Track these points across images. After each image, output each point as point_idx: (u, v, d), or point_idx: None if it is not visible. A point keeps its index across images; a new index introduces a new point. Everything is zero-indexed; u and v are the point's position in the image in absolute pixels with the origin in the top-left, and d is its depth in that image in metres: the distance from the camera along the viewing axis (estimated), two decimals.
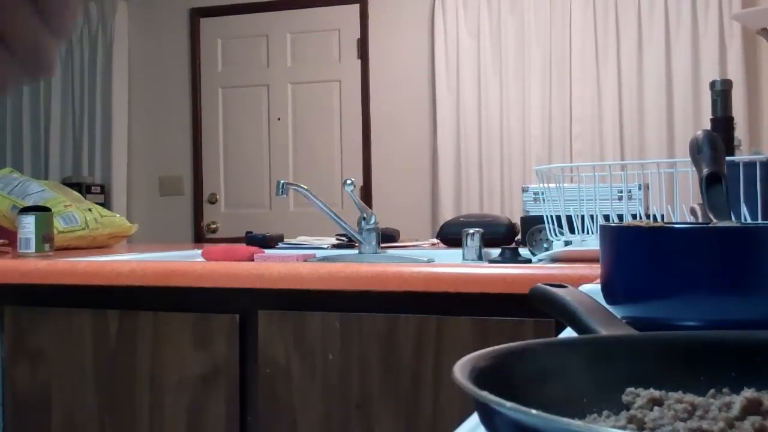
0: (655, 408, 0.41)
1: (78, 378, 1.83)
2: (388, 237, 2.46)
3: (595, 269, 1.43)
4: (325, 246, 2.40)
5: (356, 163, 4.74)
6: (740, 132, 3.91)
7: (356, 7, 4.74)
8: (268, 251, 2.20)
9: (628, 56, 4.21)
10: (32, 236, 2.06)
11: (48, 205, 2.26)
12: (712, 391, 0.44)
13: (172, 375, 1.77)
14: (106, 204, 4.78)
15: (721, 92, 1.61)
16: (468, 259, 1.99)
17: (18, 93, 5.13)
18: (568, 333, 0.69)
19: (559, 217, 1.66)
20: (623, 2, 4.23)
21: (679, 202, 1.49)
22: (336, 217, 2.21)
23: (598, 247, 0.74)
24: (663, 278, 0.66)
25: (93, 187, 4.85)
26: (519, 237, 2.16)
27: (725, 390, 0.44)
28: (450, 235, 2.30)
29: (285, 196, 2.33)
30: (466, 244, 2.00)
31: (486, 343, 1.53)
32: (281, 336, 1.69)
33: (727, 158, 0.91)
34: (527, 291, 0.71)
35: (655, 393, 0.42)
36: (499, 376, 0.40)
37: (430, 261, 1.92)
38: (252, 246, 2.24)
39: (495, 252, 1.86)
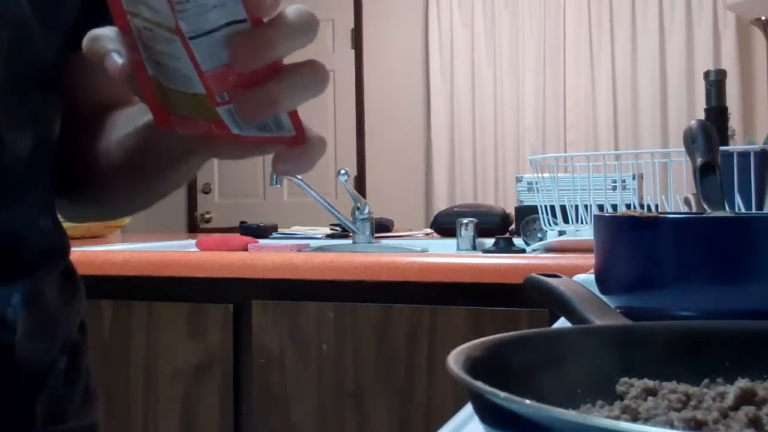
0: (649, 398, 0.41)
1: None
2: (382, 227, 2.46)
3: (589, 259, 1.42)
4: (319, 236, 2.40)
5: (350, 153, 4.73)
6: (734, 122, 3.90)
7: None
8: (262, 241, 2.20)
9: (622, 46, 4.21)
10: None
11: None
12: (706, 381, 0.44)
13: (166, 365, 1.76)
14: None
15: (716, 82, 1.61)
16: (462, 249, 1.99)
17: None
18: (562, 323, 0.69)
19: (553, 207, 1.66)
20: None
21: (673, 192, 1.49)
22: (330, 207, 2.21)
23: (592, 237, 0.74)
24: (657, 268, 0.66)
25: None
26: (513, 227, 2.16)
27: (719, 380, 0.44)
28: (444, 225, 2.30)
29: (279, 186, 2.32)
30: (460, 234, 2.00)
31: (480, 333, 1.53)
32: (275, 326, 1.69)
33: (722, 148, 0.91)
34: (521, 281, 0.71)
35: (649, 383, 0.42)
36: (493, 367, 0.40)
37: (424, 251, 1.92)
38: (246, 236, 2.24)
39: (489, 242, 1.86)
